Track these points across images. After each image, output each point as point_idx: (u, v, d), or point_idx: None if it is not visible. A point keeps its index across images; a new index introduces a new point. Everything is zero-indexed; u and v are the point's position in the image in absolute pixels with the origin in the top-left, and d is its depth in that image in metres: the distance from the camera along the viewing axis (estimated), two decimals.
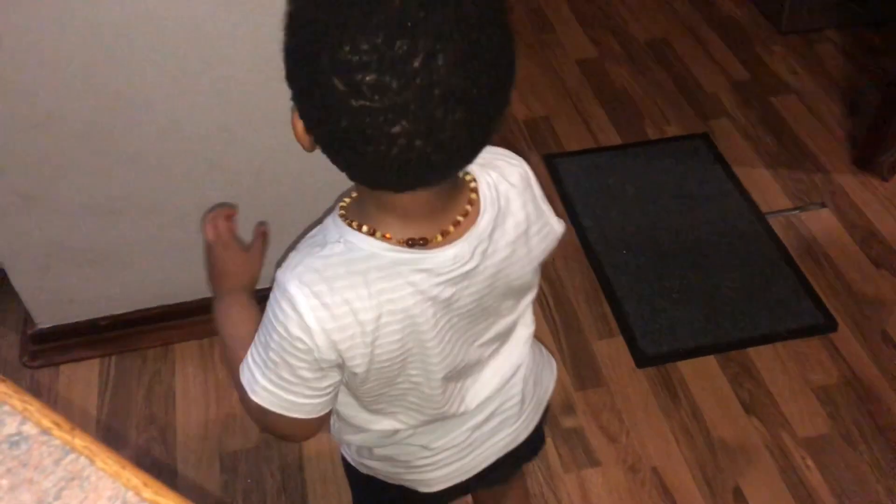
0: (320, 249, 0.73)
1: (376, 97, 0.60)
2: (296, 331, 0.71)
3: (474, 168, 0.76)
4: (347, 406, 0.87)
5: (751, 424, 1.54)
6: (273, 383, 0.75)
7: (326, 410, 0.80)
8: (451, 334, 0.79)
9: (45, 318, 1.62)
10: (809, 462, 1.49)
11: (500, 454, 0.98)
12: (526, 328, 0.93)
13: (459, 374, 0.85)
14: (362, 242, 0.72)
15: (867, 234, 1.87)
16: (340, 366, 0.75)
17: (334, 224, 0.75)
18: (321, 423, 0.81)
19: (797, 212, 1.92)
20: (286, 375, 0.75)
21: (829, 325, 1.70)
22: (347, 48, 0.59)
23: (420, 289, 0.73)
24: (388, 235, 0.72)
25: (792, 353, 1.66)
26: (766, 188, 1.98)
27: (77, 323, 1.64)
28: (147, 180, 1.44)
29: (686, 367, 1.64)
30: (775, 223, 1.90)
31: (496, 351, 0.90)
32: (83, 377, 1.63)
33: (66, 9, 1.19)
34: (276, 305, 0.73)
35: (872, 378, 1.61)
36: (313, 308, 0.70)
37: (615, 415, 1.57)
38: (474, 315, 0.80)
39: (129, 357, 1.65)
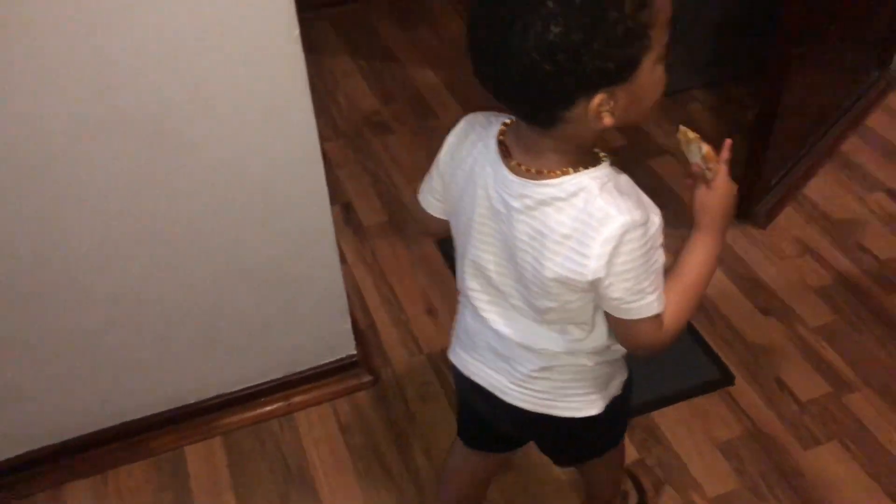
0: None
1: None
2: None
3: (596, 176, 0.85)
4: None
5: (663, 493, 1.54)
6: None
7: None
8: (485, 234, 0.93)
9: None
10: None
11: (489, 387, 1.07)
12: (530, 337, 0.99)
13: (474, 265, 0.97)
14: None
15: (752, 284, 1.93)
16: None
17: None
18: None
19: None
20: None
21: (726, 379, 1.73)
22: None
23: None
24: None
25: (694, 411, 1.67)
26: None
27: None
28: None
29: None
30: None
31: (503, 298, 0.98)
32: None
33: None
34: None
35: (773, 426, 1.64)
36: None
37: (529, 499, 1.55)
38: (501, 249, 0.93)
39: None
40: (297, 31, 1.26)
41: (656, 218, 0.86)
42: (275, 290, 1.54)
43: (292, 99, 1.32)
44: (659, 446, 1.61)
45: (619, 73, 0.79)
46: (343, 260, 2.02)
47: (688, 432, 1.63)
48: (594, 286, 0.88)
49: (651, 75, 0.82)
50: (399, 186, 2.26)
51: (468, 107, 2.88)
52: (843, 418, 1.65)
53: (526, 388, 1.04)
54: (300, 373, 1.70)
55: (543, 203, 0.86)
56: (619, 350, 1.03)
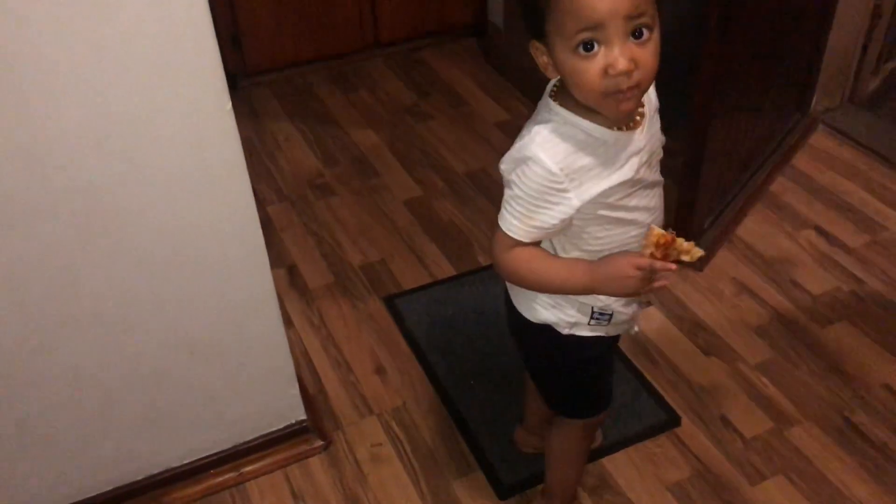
0: None
1: None
2: None
3: (547, 121, 1.06)
4: None
5: None
6: None
7: None
8: None
9: None
10: None
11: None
12: None
13: None
14: None
15: (693, 325, 1.98)
16: None
17: None
18: None
19: None
20: None
21: (672, 421, 1.76)
22: None
23: None
24: None
25: (644, 455, 1.70)
26: None
27: None
28: None
29: None
30: None
31: None
32: None
33: None
34: None
35: (720, 465, 1.67)
36: None
37: None
38: None
39: None
40: (229, 105, 1.29)
41: (542, 168, 1.03)
42: (219, 360, 1.54)
43: (228, 169, 1.34)
44: (611, 492, 1.63)
45: (532, 27, 1.00)
46: (289, 324, 2.03)
47: (638, 476, 1.65)
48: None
49: (565, 57, 0.98)
50: (344, 247, 2.27)
51: (409, 165, 2.94)
52: (786, 452, 1.68)
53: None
54: (249, 442, 1.68)
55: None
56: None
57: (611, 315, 1.19)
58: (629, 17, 0.93)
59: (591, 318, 1.19)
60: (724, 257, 2.17)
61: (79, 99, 1.15)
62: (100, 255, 1.31)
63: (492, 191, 2.46)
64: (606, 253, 1.11)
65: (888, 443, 1.69)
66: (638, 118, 1.08)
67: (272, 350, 1.59)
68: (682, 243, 1.04)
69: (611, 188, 1.06)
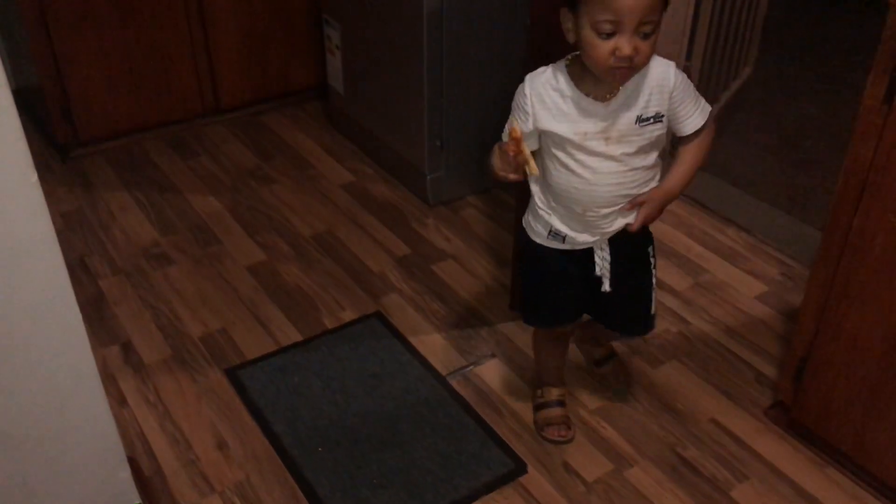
0: None
1: None
2: None
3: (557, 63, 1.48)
4: None
5: None
6: None
7: None
8: None
9: None
10: None
11: None
12: None
13: None
14: None
15: (535, 374, 2.03)
16: None
17: None
18: None
19: (471, 367, 2.05)
20: None
21: (518, 469, 1.79)
22: None
23: None
24: None
25: None
26: (441, 351, 2.10)
27: None
28: None
29: None
30: (455, 382, 2.00)
31: None
32: None
33: None
34: None
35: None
36: None
37: None
38: None
39: None
40: (34, 177, 1.23)
41: (521, 87, 1.46)
42: (35, 450, 1.43)
43: (36, 244, 1.27)
44: None
45: (570, 1, 1.34)
46: (123, 403, 1.93)
47: None
48: None
49: (587, 32, 1.32)
50: (182, 318, 2.19)
51: (252, 230, 2.89)
52: (626, 492, 1.74)
53: None
54: None
55: None
56: (539, 206, 1.57)
57: (564, 236, 1.57)
58: (642, 21, 1.29)
59: (549, 234, 1.58)
60: None
61: None
62: None
63: (338, 252, 2.46)
64: (559, 188, 1.50)
65: (716, 475, 1.78)
66: (613, 94, 1.40)
67: (97, 433, 1.50)
68: (528, 152, 1.37)
69: (555, 133, 1.44)
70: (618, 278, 1.62)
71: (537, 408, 1.90)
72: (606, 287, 1.62)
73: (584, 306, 1.72)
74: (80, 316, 1.37)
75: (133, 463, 1.64)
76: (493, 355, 2.09)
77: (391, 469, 1.79)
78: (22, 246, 1.26)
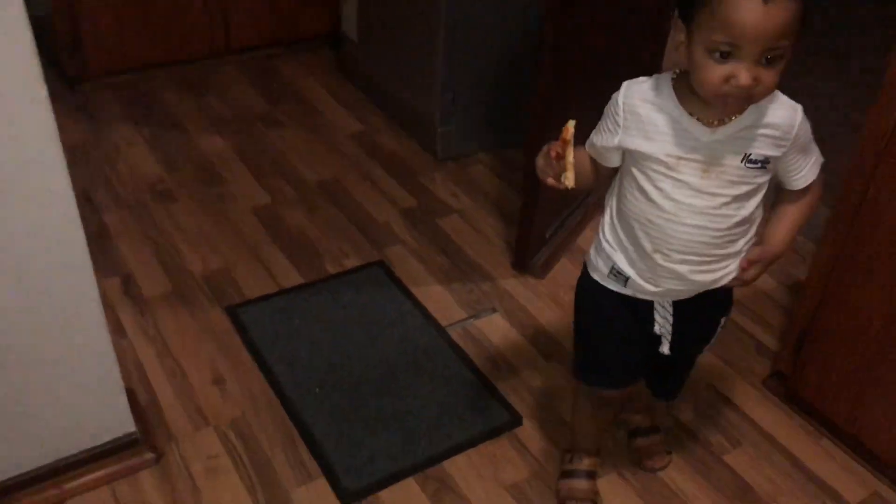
0: None
1: None
2: None
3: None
4: None
5: None
6: None
7: None
8: None
9: None
10: None
11: None
12: None
13: None
14: None
15: (535, 331, 2.03)
16: None
17: None
18: None
19: (472, 320, 2.05)
20: None
21: (514, 421, 1.80)
22: None
23: None
24: None
25: (484, 456, 1.72)
26: (443, 303, 2.10)
27: None
28: None
29: (388, 495, 1.63)
30: (455, 334, 2.00)
31: None
32: None
33: None
34: None
35: (556, 465, 1.71)
36: None
37: None
38: None
39: None
40: (44, 92, 1.21)
41: (615, 96, 1.24)
42: (34, 370, 1.43)
43: (43, 162, 1.26)
44: (451, 494, 1.64)
45: (684, 10, 1.10)
46: (122, 333, 1.93)
47: (478, 478, 1.67)
48: None
49: (698, 51, 1.09)
50: (184, 255, 2.19)
51: (258, 173, 2.87)
52: (619, 450, 1.75)
53: None
54: (72, 456, 1.58)
55: None
56: (605, 237, 1.35)
57: (627, 278, 1.33)
58: (767, 48, 1.05)
59: (610, 273, 1.35)
60: (564, 266, 2.24)
61: None
62: None
63: (343, 201, 2.44)
64: (631, 217, 1.28)
65: (710, 439, 1.79)
66: (722, 121, 1.18)
67: (96, 359, 1.50)
68: (570, 155, 1.20)
69: (643, 153, 1.21)
70: (678, 341, 1.40)
71: (563, 475, 1.64)
72: (665, 349, 1.40)
73: (645, 369, 1.51)
74: (84, 240, 1.37)
75: (130, 393, 1.64)
76: (494, 310, 2.08)
77: (387, 414, 1.80)
78: (31, 166, 1.25)
